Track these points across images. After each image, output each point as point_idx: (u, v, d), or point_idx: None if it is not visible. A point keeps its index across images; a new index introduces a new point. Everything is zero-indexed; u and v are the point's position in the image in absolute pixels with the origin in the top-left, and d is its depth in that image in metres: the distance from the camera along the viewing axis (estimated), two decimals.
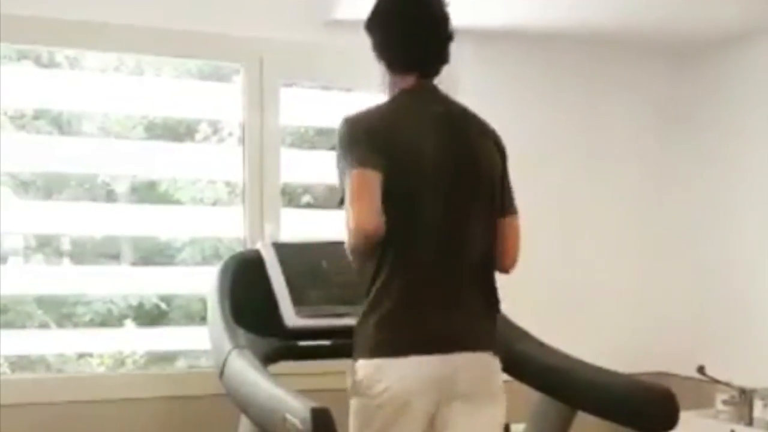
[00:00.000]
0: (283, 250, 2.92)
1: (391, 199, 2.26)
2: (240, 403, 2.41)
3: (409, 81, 2.44)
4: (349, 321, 2.67)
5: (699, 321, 4.07)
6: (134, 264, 3.77)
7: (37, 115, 3.70)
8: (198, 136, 3.93)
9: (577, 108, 4.04)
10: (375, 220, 2.23)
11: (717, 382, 3.75)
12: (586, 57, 4.02)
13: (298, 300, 2.79)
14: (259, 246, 2.94)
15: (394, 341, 2.30)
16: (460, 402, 2.36)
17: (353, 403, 2.35)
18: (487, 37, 3.72)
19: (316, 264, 2.91)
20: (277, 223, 3.41)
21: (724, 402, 3.74)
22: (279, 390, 2.23)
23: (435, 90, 2.48)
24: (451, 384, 2.33)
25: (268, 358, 2.64)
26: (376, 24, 2.47)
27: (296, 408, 2.10)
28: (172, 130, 3.88)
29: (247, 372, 2.40)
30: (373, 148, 2.28)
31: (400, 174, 2.29)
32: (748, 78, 3.90)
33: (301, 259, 2.91)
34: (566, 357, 2.77)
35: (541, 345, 2.87)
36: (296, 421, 2.07)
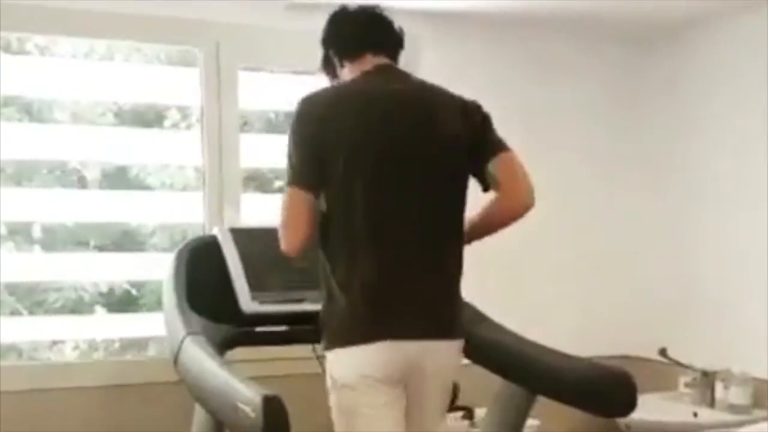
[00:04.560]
0: (240, 234, 2.88)
1: (338, 185, 2.27)
2: (193, 390, 2.38)
3: (366, 64, 2.43)
4: (307, 306, 2.67)
5: (660, 303, 4.08)
6: (105, 250, 3.73)
7: (7, 102, 3.65)
8: (167, 122, 3.88)
9: (526, 94, 4.00)
10: (299, 243, 2.30)
11: (679, 364, 3.77)
12: (536, 41, 3.99)
13: (254, 285, 2.76)
14: (215, 231, 2.90)
15: (363, 329, 2.27)
16: (424, 379, 2.36)
17: (333, 396, 2.34)
18: (441, 18, 3.70)
19: (274, 249, 2.82)
20: (237, 208, 3.37)
21: (687, 384, 3.77)
22: (231, 377, 2.20)
23: (394, 69, 2.47)
24: (416, 367, 2.32)
25: (224, 345, 2.62)
26: (327, 30, 2.51)
27: (247, 396, 2.08)
28: (142, 116, 3.82)
29: (200, 359, 2.37)
30: (311, 154, 2.28)
31: (349, 160, 2.27)
32: (704, 65, 3.89)
33: (259, 244, 2.84)
34: (525, 341, 2.75)
35: (501, 329, 2.85)
36: (248, 409, 2.05)
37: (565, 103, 4.09)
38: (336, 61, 2.49)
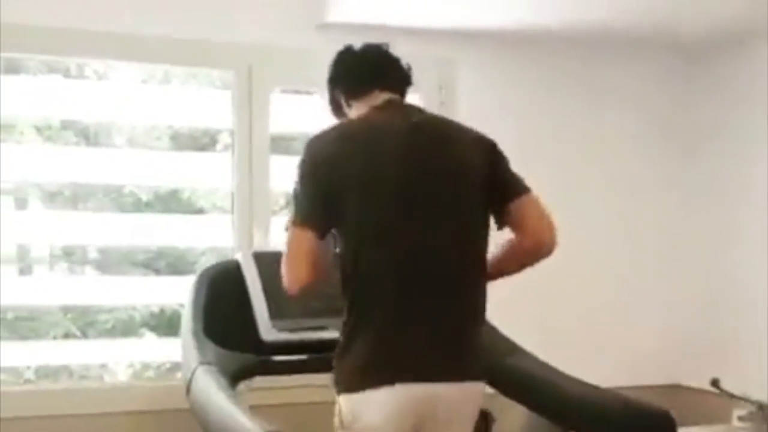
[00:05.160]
0: (263, 259, 2.80)
1: (353, 227, 2.20)
2: (201, 422, 2.31)
3: (374, 100, 2.36)
4: (328, 334, 2.57)
5: (714, 331, 3.88)
6: (157, 272, 3.79)
7: (65, 126, 3.71)
8: (219, 146, 3.88)
9: (570, 116, 3.87)
10: (301, 283, 2.23)
11: (733, 396, 3.57)
12: (579, 60, 3.85)
13: (275, 312, 2.69)
14: (238, 256, 2.84)
15: (374, 372, 2.18)
16: (439, 426, 2.25)
17: None
18: (479, 39, 3.60)
19: None
20: (266, 231, 3.30)
21: (741, 418, 3.56)
22: (236, 411, 2.14)
23: (405, 105, 2.41)
24: (432, 414, 2.21)
25: (240, 374, 2.55)
26: (333, 70, 2.47)
27: (249, 430, 1.99)
28: (196, 140, 3.85)
29: (208, 391, 2.31)
30: (317, 196, 2.21)
31: (362, 200, 2.20)
32: (757, 79, 3.70)
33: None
34: (557, 373, 2.61)
35: (532, 360, 2.72)
36: None
37: (611, 125, 3.95)
38: (342, 100, 2.43)
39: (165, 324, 3.87)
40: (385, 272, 2.19)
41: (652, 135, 4.01)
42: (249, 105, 3.33)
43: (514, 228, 2.34)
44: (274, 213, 3.46)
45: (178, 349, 3.39)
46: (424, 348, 2.20)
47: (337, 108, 2.46)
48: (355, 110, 2.39)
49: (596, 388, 2.55)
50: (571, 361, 2.64)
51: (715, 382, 3.61)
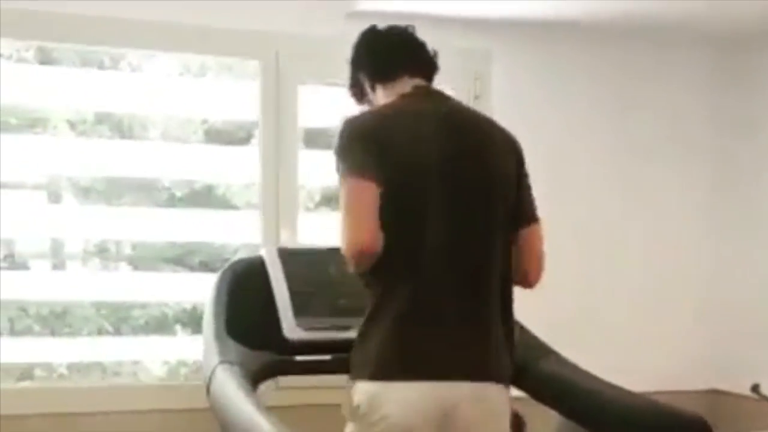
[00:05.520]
0: (288, 256, 2.74)
1: (390, 209, 2.08)
2: (221, 423, 2.25)
3: (403, 86, 2.27)
4: (353, 334, 2.49)
5: (754, 335, 3.73)
6: (190, 269, 3.73)
7: (99, 120, 3.68)
8: (254, 141, 3.83)
9: (611, 106, 3.75)
10: (368, 237, 2.04)
11: None
12: (620, 50, 3.73)
13: (299, 311, 2.61)
14: (262, 252, 2.77)
15: (397, 363, 2.10)
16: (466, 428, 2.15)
17: (351, 428, 2.16)
18: (514, 28, 3.50)
19: (322, 271, 2.72)
20: (293, 227, 3.23)
21: None
22: (256, 413, 2.07)
23: (435, 92, 2.31)
24: (454, 414, 2.11)
25: (261, 374, 2.48)
26: (357, 51, 2.38)
27: None
28: (231, 134, 3.80)
29: (228, 390, 2.25)
30: (369, 154, 2.10)
31: (400, 183, 2.11)
32: None
33: (308, 266, 2.73)
34: (591, 377, 2.52)
35: (566, 364, 2.62)
36: None
37: (645, 118, 3.82)
38: (366, 84, 2.34)
39: (197, 321, 3.79)
40: (419, 258, 2.11)
41: (685, 129, 3.89)
42: (276, 96, 3.27)
43: (519, 253, 2.26)
44: (306, 209, 3.39)
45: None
46: (451, 343, 2.12)
47: (359, 93, 2.37)
48: (381, 96, 2.30)
49: (631, 393, 2.46)
50: (605, 366, 2.55)
51: (755, 388, 3.51)
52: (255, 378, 2.39)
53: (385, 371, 2.09)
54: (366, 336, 2.15)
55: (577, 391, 2.51)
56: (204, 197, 3.77)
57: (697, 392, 3.61)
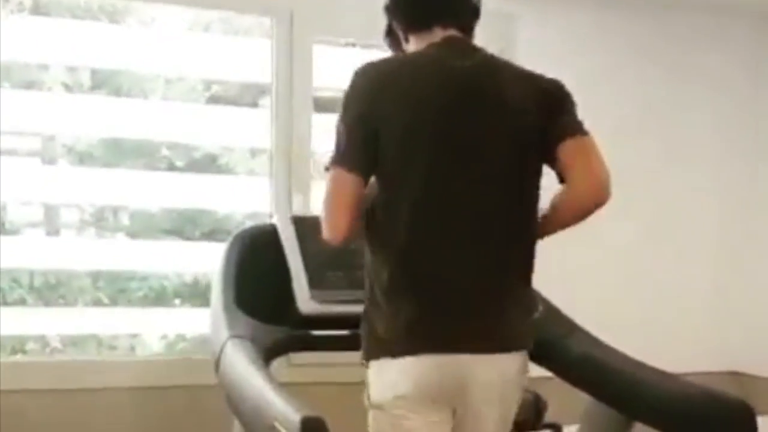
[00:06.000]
0: (303, 224, 2.57)
1: (389, 169, 1.97)
2: (231, 402, 2.10)
3: (434, 37, 2.09)
4: None
5: None
6: (191, 239, 3.59)
7: (97, 79, 3.49)
8: (262, 104, 3.66)
9: (641, 81, 3.61)
10: (343, 231, 1.98)
11: None
12: (653, 18, 3.58)
13: (315, 283, 2.46)
14: (275, 219, 2.60)
15: (405, 337, 1.96)
16: (478, 406, 2.02)
17: (372, 416, 2.03)
18: None
19: None
20: (306, 195, 3.07)
21: None
22: (271, 391, 1.91)
23: (464, 43, 2.12)
24: (466, 387, 1.98)
25: (274, 349, 2.32)
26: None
27: (286, 415, 1.79)
28: (238, 98, 3.64)
29: (240, 366, 2.09)
30: (368, 121, 1.97)
31: (402, 140, 1.97)
32: None
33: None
34: (623, 358, 2.35)
35: (595, 342, 2.46)
36: (284, 431, 1.74)
37: (690, 92, 3.68)
38: (400, 33, 2.16)
39: (198, 294, 3.66)
40: (422, 227, 1.97)
41: (722, 106, 3.76)
42: (290, 56, 3.11)
43: (566, 171, 2.04)
44: (318, 176, 3.22)
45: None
46: (460, 311, 1.97)
47: (395, 42, 2.20)
48: (414, 46, 2.13)
49: (667, 375, 2.30)
50: (622, 348, 2.40)
51: None
52: (267, 354, 2.23)
53: (389, 349, 1.97)
54: (371, 314, 2.02)
55: (610, 372, 2.35)
56: (205, 167, 3.62)
57: (716, 374, 3.47)
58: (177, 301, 3.67)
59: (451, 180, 1.97)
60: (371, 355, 2.00)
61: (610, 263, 3.47)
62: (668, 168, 3.65)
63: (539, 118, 2.05)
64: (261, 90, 3.47)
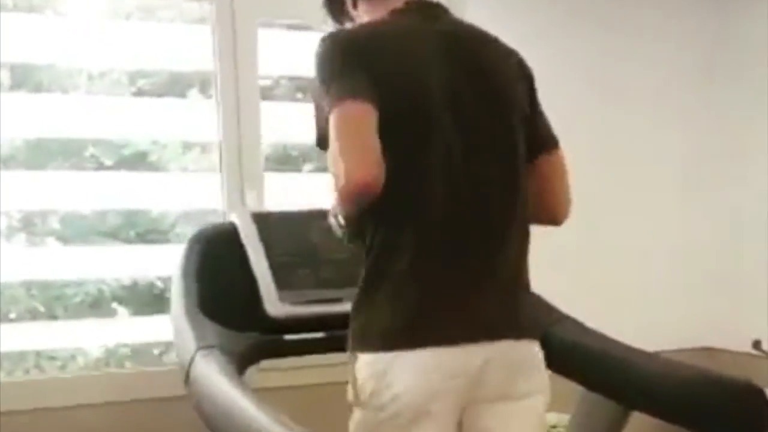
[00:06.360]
0: (264, 221, 2.38)
1: (388, 140, 1.71)
2: (207, 420, 1.89)
3: (393, 1, 1.90)
4: (344, 307, 2.16)
5: (752, 287, 3.52)
6: (125, 242, 3.36)
7: (16, 83, 3.22)
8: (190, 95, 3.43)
9: (594, 50, 3.48)
10: (372, 170, 1.67)
11: None
12: None
13: (282, 283, 2.26)
14: (233, 217, 2.40)
15: (406, 327, 1.76)
16: (492, 403, 1.84)
17: (357, 416, 1.83)
18: None
19: (304, 238, 2.38)
20: (259, 190, 2.87)
21: None
22: (256, 410, 1.71)
23: (432, 6, 1.94)
24: (476, 383, 1.81)
25: (246, 358, 2.11)
26: None
27: None
28: (173, 86, 3.37)
29: (215, 382, 1.88)
30: (361, 71, 1.74)
31: (398, 111, 1.75)
32: None
33: (287, 233, 2.37)
34: (616, 344, 2.23)
35: (586, 330, 2.33)
36: None
37: (634, 64, 3.56)
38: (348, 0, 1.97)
39: (138, 298, 3.47)
40: (423, 199, 1.79)
41: (674, 80, 3.65)
42: (233, 42, 2.89)
43: (537, 188, 1.95)
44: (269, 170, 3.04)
45: (156, 328, 3.10)
46: (469, 297, 1.80)
47: (337, 8, 2.01)
48: (365, 12, 1.94)
49: (667, 360, 2.21)
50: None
51: (756, 344, 3.32)
52: (241, 363, 2.03)
53: (394, 338, 1.76)
54: (365, 300, 1.82)
55: (604, 360, 2.23)
56: (135, 164, 3.39)
57: (688, 351, 3.40)
58: (115, 305, 3.43)
59: (454, 159, 1.80)
60: (362, 344, 1.79)
61: (570, 236, 3.35)
62: (624, 132, 3.55)
63: (527, 103, 1.94)
64: (188, 83, 3.26)
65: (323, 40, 1.81)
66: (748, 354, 3.33)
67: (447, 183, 1.79)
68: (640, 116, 3.58)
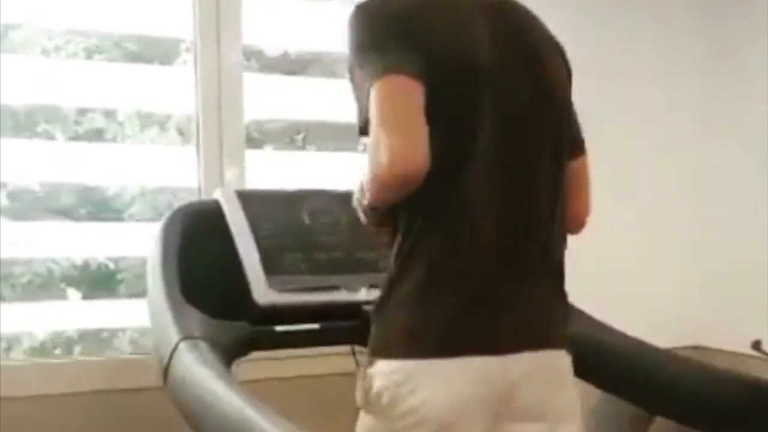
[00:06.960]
0: (251, 200, 2.16)
1: (433, 123, 1.52)
2: (190, 418, 1.67)
3: None
4: (343, 296, 2.06)
5: (748, 285, 3.37)
6: (77, 220, 3.12)
7: None
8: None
9: (604, 38, 3.33)
10: (419, 151, 1.48)
11: None
12: None
13: (271, 268, 2.04)
14: (217, 195, 2.17)
15: (442, 331, 1.57)
16: (523, 423, 1.64)
17: (367, 422, 1.63)
18: None
19: (295, 219, 2.16)
20: (240, 168, 2.66)
21: None
22: (249, 409, 1.51)
23: None
24: (510, 397, 1.61)
25: (233, 351, 1.89)
26: None
27: None
28: (143, 54, 3.12)
29: (201, 378, 1.66)
30: (406, 43, 1.55)
31: (447, 87, 1.56)
32: None
33: (276, 213, 2.16)
34: (641, 344, 2.06)
35: (601, 326, 2.16)
36: None
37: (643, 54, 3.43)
38: None
39: (90, 279, 3.25)
40: (464, 190, 1.59)
41: (688, 65, 3.53)
42: (216, 7, 2.66)
43: None
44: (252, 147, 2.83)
45: (112, 314, 2.98)
46: (508, 301, 1.62)
47: None
48: None
49: (689, 360, 2.03)
50: None
51: (756, 344, 3.17)
52: (228, 355, 1.81)
53: (422, 345, 1.57)
54: (391, 299, 1.61)
55: (622, 359, 2.07)
56: (91, 137, 3.17)
57: (679, 349, 3.26)
58: (63, 286, 3.21)
59: (498, 146, 1.62)
60: (386, 350, 1.59)
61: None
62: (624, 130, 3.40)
63: (568, 79, 1.80)
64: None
65: (358, 8, 1.62)
66: (744, 354, 3.19)
67: (496, 177, 1.61)
68: (640, 116, 3.47)
